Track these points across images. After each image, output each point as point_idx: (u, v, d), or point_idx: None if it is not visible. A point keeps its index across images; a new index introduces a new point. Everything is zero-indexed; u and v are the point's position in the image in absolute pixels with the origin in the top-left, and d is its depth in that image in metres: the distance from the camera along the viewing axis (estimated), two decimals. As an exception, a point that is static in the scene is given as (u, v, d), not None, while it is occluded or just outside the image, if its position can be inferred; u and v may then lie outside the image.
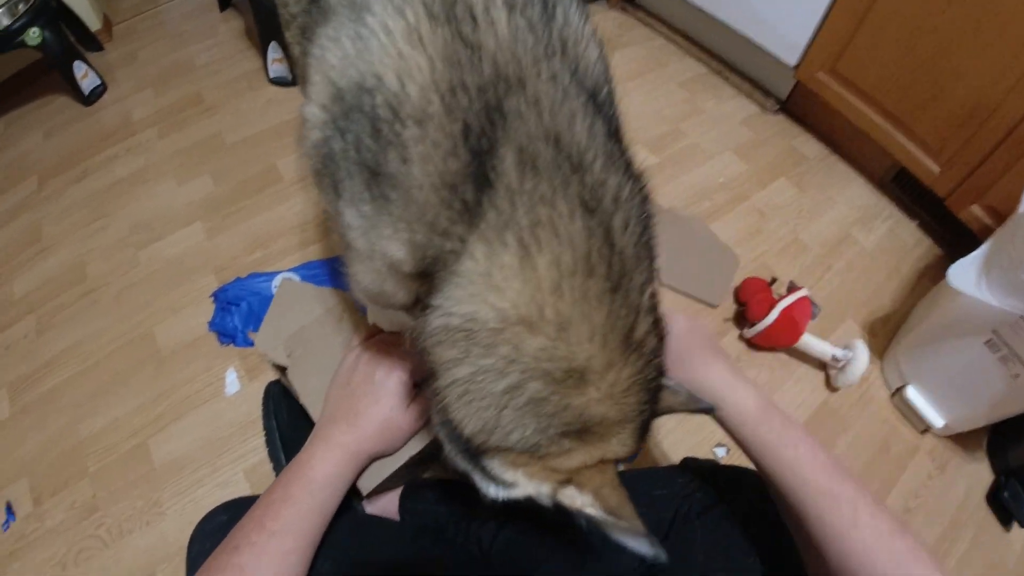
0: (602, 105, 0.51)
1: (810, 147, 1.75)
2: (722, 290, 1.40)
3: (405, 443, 0.74)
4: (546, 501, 0.56)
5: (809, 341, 1.27)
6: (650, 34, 2.04)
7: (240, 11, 2.02)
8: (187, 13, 2.04)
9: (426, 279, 0.52)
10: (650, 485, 0.75)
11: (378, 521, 0.84)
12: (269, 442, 1.07)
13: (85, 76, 1.74)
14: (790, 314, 1.24)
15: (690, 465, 0.86)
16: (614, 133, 0.51)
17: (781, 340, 1.28)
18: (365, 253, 0.54)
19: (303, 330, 0.88)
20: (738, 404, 0.66)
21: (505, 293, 0.47)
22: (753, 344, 1.32)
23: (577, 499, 0.54)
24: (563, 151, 0.46)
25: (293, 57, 0.78)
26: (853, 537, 0.55)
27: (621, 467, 0.58)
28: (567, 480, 0.54)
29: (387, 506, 0.94)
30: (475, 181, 0.46)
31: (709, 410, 0.63)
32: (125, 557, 1.07)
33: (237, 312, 1.21)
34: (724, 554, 0.65)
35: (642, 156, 1.63)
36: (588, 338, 0.48)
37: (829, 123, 1.72)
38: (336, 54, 0.51)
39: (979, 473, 1.27)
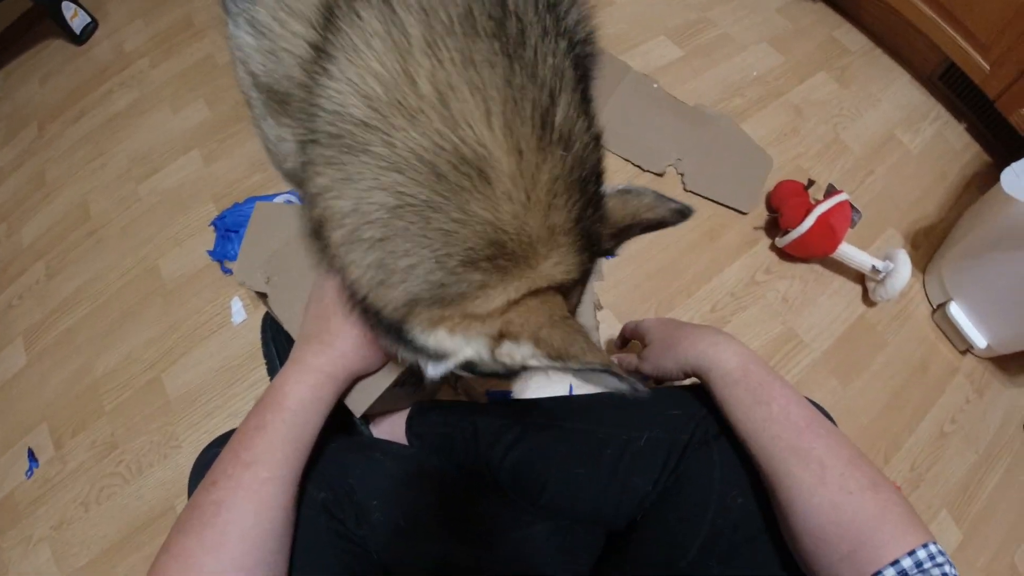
0: None
1: (853, 38, 1.59)
2: (753, 195, 1.29)
3: (387, 359, 0.68)
4: (493, 366, 0.49)
5: (847, 251, 1.18)
6: None
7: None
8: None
9: (292, 108, 0.46)
10: (666, 404, 0.70)
11: (382, 444, 0.81)
12: (270, 371, 1.05)
13: (75, 16, 1.69)
14: (827, 220, 1.14)
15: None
16: None
17: (817, 249, 1.18)
18: (241, 82, 0.50)
19: (279, 253, 0.82)
20: (720, 365, 0.63)
21: (369, 68, 0.38)
22: (786, 254, 1.23)
23: (516, 353, 0.46)
24: None
25: None
26: (819, 494, 0.51)
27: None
28: (500, 334, 0.45)
29: (394, 430, 0.91)
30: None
31: (685, 212, 0.53)
32: (145, 492, 1.08)
33: (237, 239, 1.17)
34: (741, 476, 0.60)
35: (665, 48, 1.51)
36: (483, 117, 0.39)
37: (873, 12, 1.56)
38: None
39: (1018, 400, 1.20)
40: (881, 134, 1.44)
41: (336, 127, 0.41)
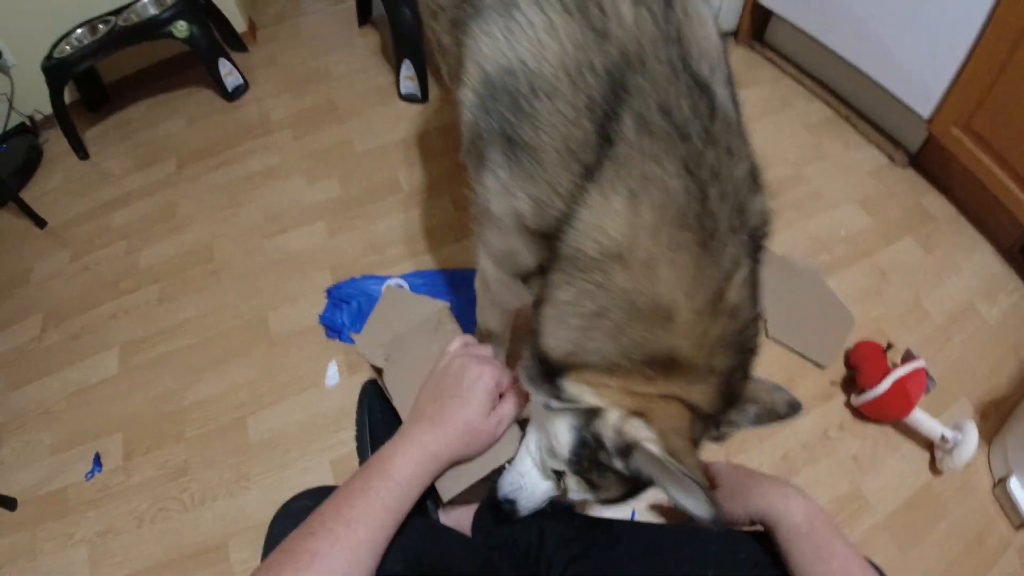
0: (711, 87, 0.57)
1: (939, 206, 1.64)
2: (833, 350, 1.32)
3: (485, 449, 0.74)
4: (608, 430, 0.57)
5: (919, 417, 1.19)
6: (777, 74, 1.99)
7: (377, 28, 2.13)
8: (327, 25, 2.17)
9: (545, 240, 0.60)
10: (734, 547, 0.74)
11: (451, 531, 0.84)
12: (359, 436, 1.10)
13: (229, 74, 1.89)
14: (904, 385, 1.16)
15: None
16: (725, 118, 0.57)
17: (891, 412, 1.20)
18: (497, 215, 0.65)
19: (402, 336, 0.91)
20: (789, 518, 0.68)
21: (607, 231, 0.54)
22: (859, 413, 1.24)
23: (642, 431, 0.55)
24: (673, 122, 0.54)
25: (440, 45, 0.90)
26: None
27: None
28: (636, 412, 0.56)
29: (460, 520, 0.94)
30: (594, 146, 0.55)
31: (796, 407, 0.63)
32: (203, 523, 1.12)
33: (347, 309, 1.26)
34: None
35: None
36: (675, 283, 0.54)
37: (960, 182, 1.60)
38: (488, 44, 0.63)
39: None
40: (961, 302, 1.46)
41: (574, 255, 0.57)
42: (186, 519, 1.12)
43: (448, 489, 0.73)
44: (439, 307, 0.93)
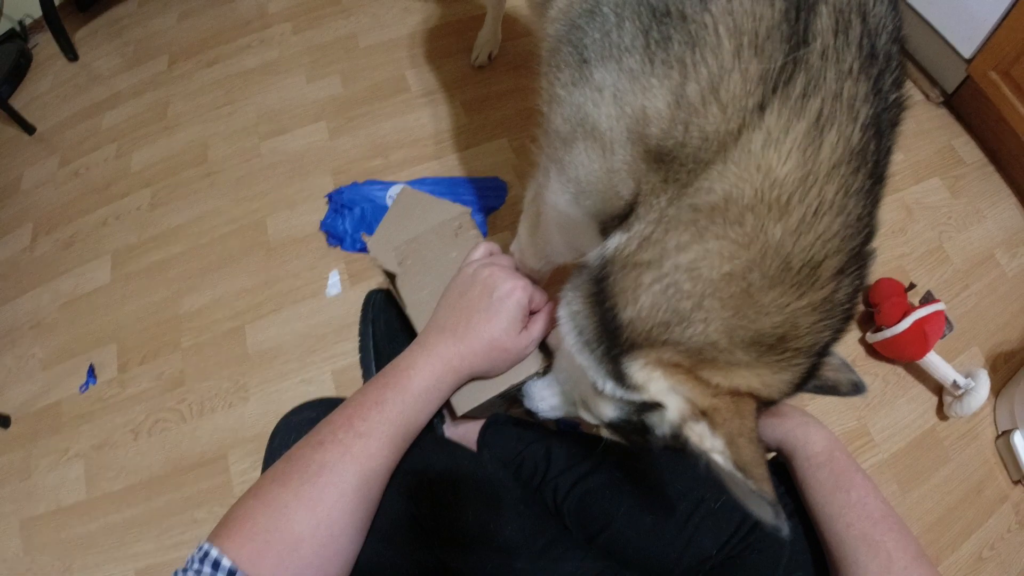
0: (896, 3, 0.48)
1: (969, 151, 1.59)
2: (852, 286, 1.28)
3: (509, 368, 0.71)
4: (666, 427, 0.51)
5: (934, 360, 1.17)
6: None
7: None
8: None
9: (660, 165, 0.47)
10: None
11: (458, 446, 0.81)
12: (362, 347, 1.06)
13: (224, -36, 1.74)
14: (922, 327, 1.14)
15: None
16: (896, 37, 0.47)
17: (906, 353, 1.18)
18: (603, 124, 0.50)
19: (419, 238, 0.85)
20: (808, 446, 0.65)
21: (774, 169, 0.43)
22: (874, 350, 1.23)
23: (707, 440, 0.48)
24: (867, 30, 0.44)
25: None
26: None
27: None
28: (703, 411, 0.49)
29: (466, 435, 0.91)
30: (787, 40, 0.42)
31: (860, 387, 0.60)
32: (201, 435, 1.10)
33: (349, 216, 1.19)
34: (807, 559, 0.62)
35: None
36: (834, 235, 0.45)
37: (993, 129, 1.56)
38: None
39: None
40: (982, 250, 1.44)
41: (720, 200, 0.45)
42: (184, 431, 1.11)
43: (463, 404, 0.71)
44: (460, 211, 0.87)
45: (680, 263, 0.47)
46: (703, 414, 0.49)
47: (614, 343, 0.51)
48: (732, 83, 0.43)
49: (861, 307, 1.27)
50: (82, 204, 1.40)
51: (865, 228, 0.46)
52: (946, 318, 1.18)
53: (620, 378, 0.52)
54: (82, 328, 1.23)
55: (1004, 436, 1.19)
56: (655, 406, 0.51)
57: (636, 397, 0.52)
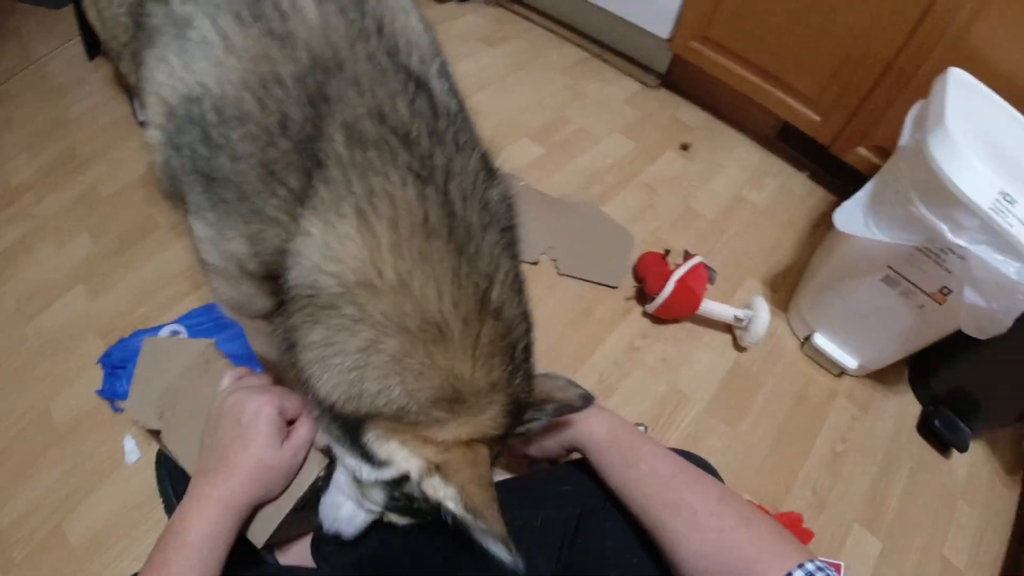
0: (428, 83, 0.54)
1: (694, 116, 1.79)
2: (620, 270, 1.41)
3: (286, 484, 0.70)
4: (414, 488, 0.56)
5: (709, 306, 1.30)
6: (528, 26, 2.05)
7: (110, 57, 1.93)
8: (59, 67, 1.93)
9: (276, 281, 0.54)
10: (557, 482, 0.75)
11: (291, 571, 0.82)
12: (167, 508, 1.02)
13: (-45, 151, 1.66)
14: (686, 283, 1.26)
15: None
16: (446, 111, 0.54)
17: (682, 310, 1.30)
18: (219, 263, 0.57)
19: (171, 387, 0.83)
20: (591, 436, 0.69)
21: (343, 260, 0.50)
22: (657, 318, 1.34)
23: (441, 490, 0.54)
24: (388, 125, 0.50)
25: (134, 88, 0.80)
26: (695, 539, 0.56)
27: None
28: (436, 466, 0.55)
29: (300, 554, 0.91)
30: (300, 167, 0.50)
31: (588, 399, 0.65)
32: None
33: (124, 375, 1.16)
34: (633, 538, 0.65)
35: (528, 148, 1.64)
36: (436, 296, 0.51)
37: (709, 90, 1.76)
38: (163, 71, 0.55)
39: (905, 407, 1.32)
40: (729, 196, 1.61)
41: (310, 292, 0.52)
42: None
43: (259, 534, 0.69)
44: (203, 346, 0.86)
45: (314, 339, 0.54)
46: (437, 469, 0.54)
47: (345, 424, 0.57)
48: (271, 212, 0.51)
49: (635, 285, 1.38)
50: None
51: (477, 280, 0.52)
52: (706, 267, 1.31)
53: (369, 459, 0.57)
54: None
55: (807, 342, 1.33)
56: (405, 478, 0.56)
57: (387, 475, 0.57)
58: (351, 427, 0.56)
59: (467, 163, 0.53)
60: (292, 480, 0.70)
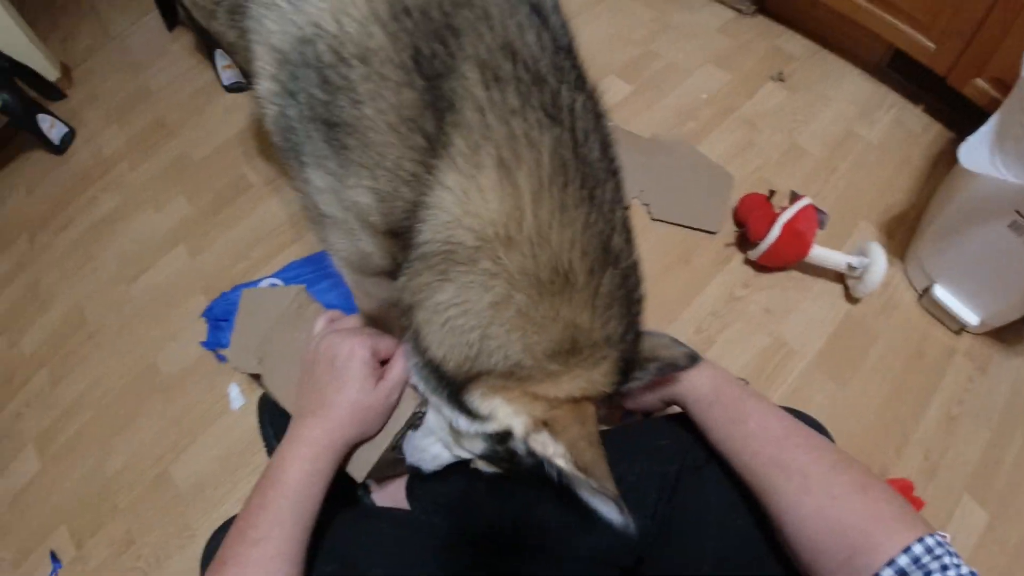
0: (548, 16, 0.51)
1: (795, 44, 1.63)
2: (719, 214, 1.32)
3: (383, 423, 0.71)
4: (519, 444, 0.55)
5: (820, 253, 1.19)
6: None
7: (188, 27, 1.97)
8: (139, 41, 2.02)
9: (399, 238, 0.53)
10: (654, 436, 0.72)
11: (383, 513, 0.83)
12: (269, 452, 1.07)
13: (52, 127, 1.74)
14: (794, 227, 1.16)
15: None
16: (564, 46, 0.51)
17: (789, 256, 1.20)
18: (338, 215, 0.56)
19: (268, 334, 0.86)
20: (694, 390, 0.66)
21: (482, 214, 0.48)
22: (761, 266, 1.25)
23: (550, 447, 0.53)
24: (520, 61, 0.47)
25: (231, 45, 0.78)
26: (806, 504, 0.52)
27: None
28: (543, 422, 0.53)
29: (396, 495, 0.92)
30: (433, 110, 0.47)
31: (694, 358, 0.62)
32: None
33: (227, 327, 1.20)
34: (737, 498, 0.61)
35: (615, 85, 1.55)
36: (569, 245, 0.49)
37: (811, 15, 1.61)
38: (273, 17, 0.53)
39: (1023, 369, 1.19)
40: (838, 132, 1.47)
41: (446, 248, 0.50)
42: (150, 586, 1.10)
43: (358, 471, 0.70)
44: (295, 292, 0.88)
45: (441, 300, 0.52)
46: (544, 425, 0.53)
47: (449, 382, 0.56)
48: (407, 164, 0.48)
49: (735, 230, 1.30)
50: (-6, 404, 1.39)
51: (602, 227, 0.50)
52: (816, 209, 1.20)
53: (469, 413, 0.56)
54: (32, 520, 1.22)
55: (926, 294, 1.21)
56: (508, 434, 0.55)
57: (489, 428, 0.56)
58: (453, 384, 0.55)
59: (586, 102, 0.51)
60: (388, 419, 0.71)
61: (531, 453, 0.55)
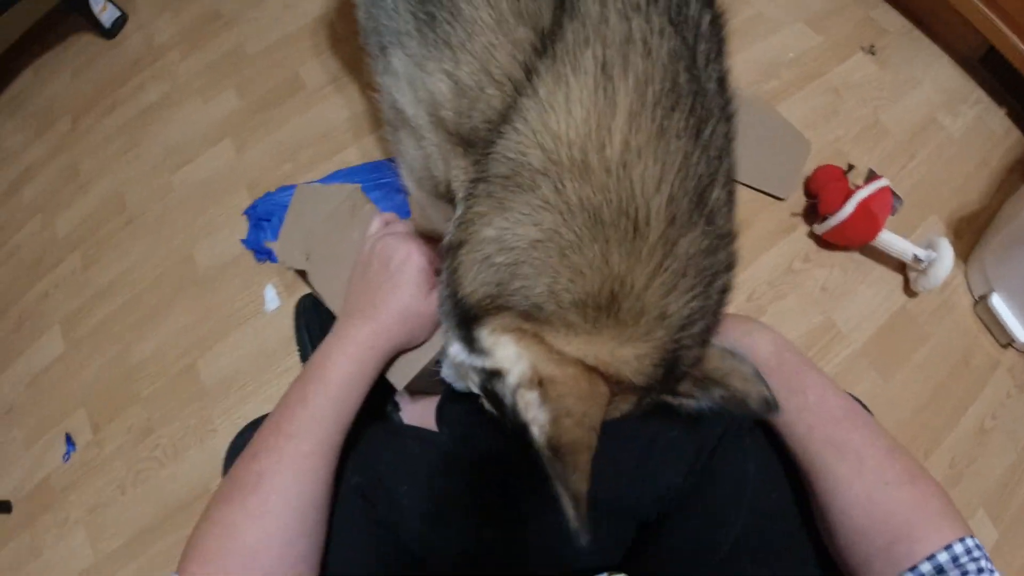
0: None
1: (891, 19, 1.53)
2: (791, 181, 1.25)
3: (430, 332, 0.69)
4: (507, 393, 0.46)
5: (888, 239, 1.14)
6: None
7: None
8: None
9: (469, 151, 0.47)
10: None
11: (411, 431, 0.81)
12: (303, 356, 1.06)
13: (104, 9, 1.69)
14: (868, 207, 1.10)
15: None
16: None
17: (857, 237, 1.15)
18: (410, 109, 0.50)
19: (319, 230, 0.84)
20: (756, 353, 0.61)
21: (560, 131, 0.41)
22: (825, 241, 1.19)
23: (532, 410, 0.44)
24: None
25: None
26: (857, 487, 0.50)
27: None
28: (540, 381, 0.44)
29: (424, 416, 0.90)
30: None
31: (772, 406, 0.52)
32: (180, 475, 1.10)
33: (269, 227, 1.17)
34: (777, 470, 0.59)
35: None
36: (655, 185, 0.41)
37: None
38: None
39: None
40: (922, 117, 1.39)
41: (510, 170, 0.44)
42: (164, 475, 1.11)
43: (399, 379, 0.69)
44: (350, 190, 0.84)
45: (487, 236, 0.46)
46: (540, 384, 0.44)
47: (465, 314, 0.50)
48: (500, 56, 0.42)
49: (804, 201, 1.24)
50: (21, 283, 1.38)
51: (703, 172, 0.42)
52: (893, 193, 1.15)
53: (471, 343, 0.50)
54: (51, 401, 1.23)
55: (982, 301, 1.17)
56: (499, 373, 0.47)
57: (482, 363, 0.49)
58: (468, 314, 0.50)
59: (714, 23, 0.44)
60: (435, 330, 0.69)
61: (514, 412, 0.46)
